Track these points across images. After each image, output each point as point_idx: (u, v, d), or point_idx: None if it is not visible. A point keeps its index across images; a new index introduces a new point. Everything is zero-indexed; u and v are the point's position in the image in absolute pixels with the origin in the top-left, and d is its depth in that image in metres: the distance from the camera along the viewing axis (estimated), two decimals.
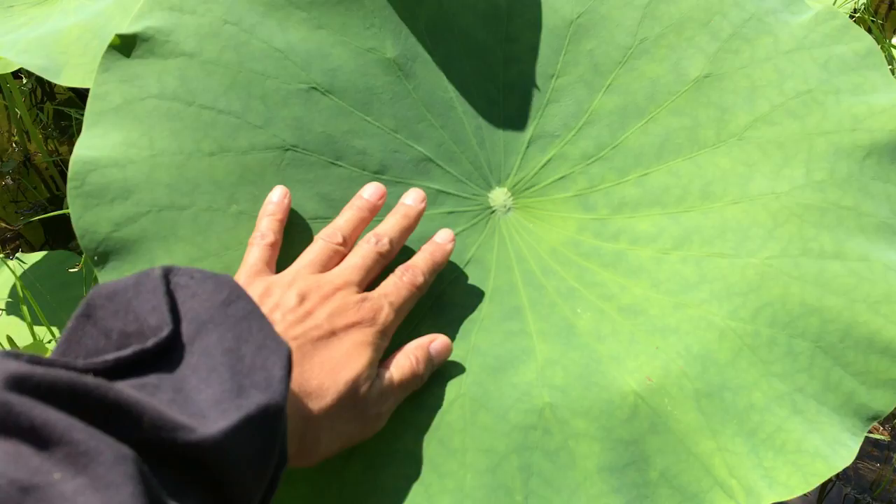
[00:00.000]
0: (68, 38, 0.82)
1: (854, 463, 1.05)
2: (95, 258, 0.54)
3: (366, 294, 0.53)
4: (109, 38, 0.60)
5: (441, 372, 0.55)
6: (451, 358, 0.56)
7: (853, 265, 0.58)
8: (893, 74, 1.50)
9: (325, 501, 0.51)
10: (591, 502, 0.51)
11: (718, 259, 0.60)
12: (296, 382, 0.46)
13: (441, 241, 0.59)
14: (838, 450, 0.53)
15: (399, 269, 0.56)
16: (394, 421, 0.53)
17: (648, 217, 0.64)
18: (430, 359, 0.54)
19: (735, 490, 0.52)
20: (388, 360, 0.53)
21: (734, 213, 0.62)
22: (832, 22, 0.67)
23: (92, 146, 0.56)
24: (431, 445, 0.53)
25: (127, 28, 0.60)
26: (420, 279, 0.56)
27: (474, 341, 0.58)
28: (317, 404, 0.47)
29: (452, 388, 0.55)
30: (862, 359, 0.55)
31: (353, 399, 0.48)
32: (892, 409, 0.54)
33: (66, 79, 0.80)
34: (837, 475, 1.04)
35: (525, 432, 0.53)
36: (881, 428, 1.07)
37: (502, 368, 0.56)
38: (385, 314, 0.52)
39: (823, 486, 1.03)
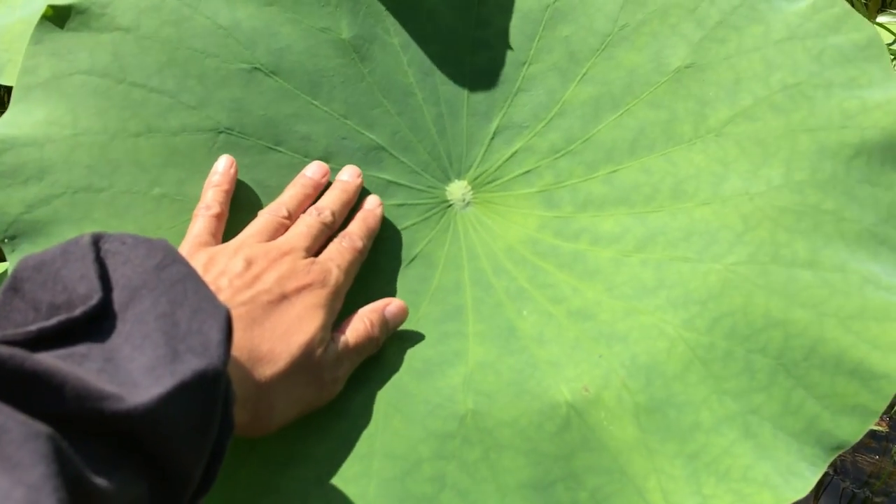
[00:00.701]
0: (11, 35, 0.81)
1: (852, 455, 1.02)
2: (5, 240, 0.54)
3: (314, 258, 0.54)
4: None
5: (359, 373, 0.53)
6: (375, 358, 0.54)
7: (827, 275, 0.54)
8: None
9: (219, 502, 0.50)
10: None
11: (681, 263, 0.57)
12: (246, 348, 0.47)
13: (370, 206, 0.61)
14: (791, 480, 0.49)
15: (337, 238, 0.57)
16: (297, 422, 0.51)
17: (613, 216, 0.62)
18: (384, 322, 0.55)
19: None
20: (343, 325, 0.54)
21: (703, 215, 0.59)
22: (831, 10, 0.63)
23: (14, 123, 0.56)
24: (340, 451, 0.51)
25: None
26: (359, 244, 0.57)
27: (404, 343, 0.56)
28: (269, 370, 0.47)
29: (368, 391, 0.53)
30: (828, 380, 0.52)
31: (307, 363, 0.49)
32: (858, 439, 0.50)
33: (7, 77, 0.78)
34: (835, 467, 1.00)
35: (442, 440, 0.51)
36: (879, 419, 1.02)
37: (429, 372, 0.54)
38: (335, 275, 0.53)
39: (821, 480, 0.98)
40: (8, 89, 1.18)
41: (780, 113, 0.60)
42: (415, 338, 0.56)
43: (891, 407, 1.05)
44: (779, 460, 0.50)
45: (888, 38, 1.53)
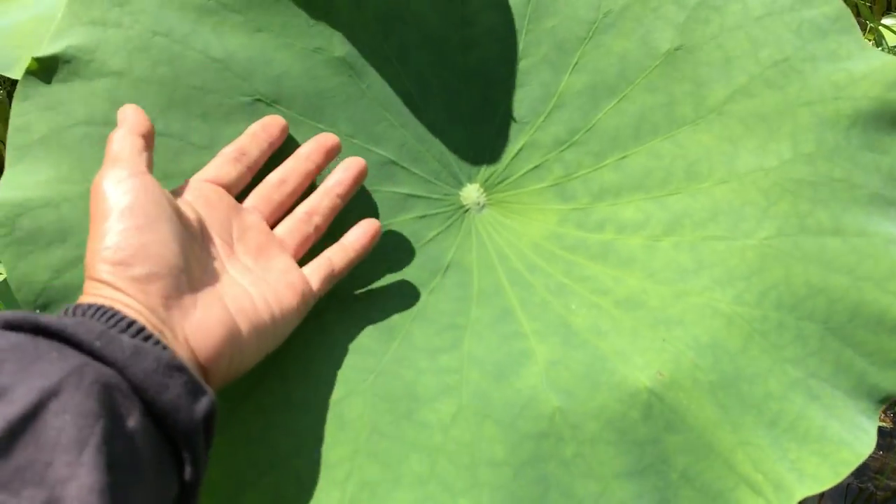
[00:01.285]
0: (23, 32, 0.85)
1: None
2: (37, 311, 0.52)
3: None
4: None
5: (438, 383, 0.55)
6: (445, 367, 0.56)
7: (853, 241, 0.60)
8: (889, 54, 1.55)
9: None
10: None
11: (714, 242, 0.62)
12: None
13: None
14: (860, 436, 0.55)
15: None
16: (395, 443, 0.53)
17: (632, 203, 0.65)
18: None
19: (762, 486, 0.54)
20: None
21: (724, 193, 0.63)
22: None
23: (19, 185, 0.55)
24: (441, 465, 0.53)
25: (45, 49, 0.58)
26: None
27: (468, 349, 0.58)
28: None
29: (453, 402, 0.55)
30: (872, 339, 0.58)
31: None
32: None
33: (18, 72, 0.82)
34: None
35: (537, 441, 0.54)
36: (883, 415, 1.11)
37: (503, 374, 0.56)
38: None
39: None
40: (16, 83, 1.18)
41: (776, 88, 0.66)
42: (477, 343, 0.58)
43: (894, 404, 1.14)
44: (843, 418, 0.56)
45: (893, 39, 1.63)
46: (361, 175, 0.60)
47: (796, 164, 0.63)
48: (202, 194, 0.54)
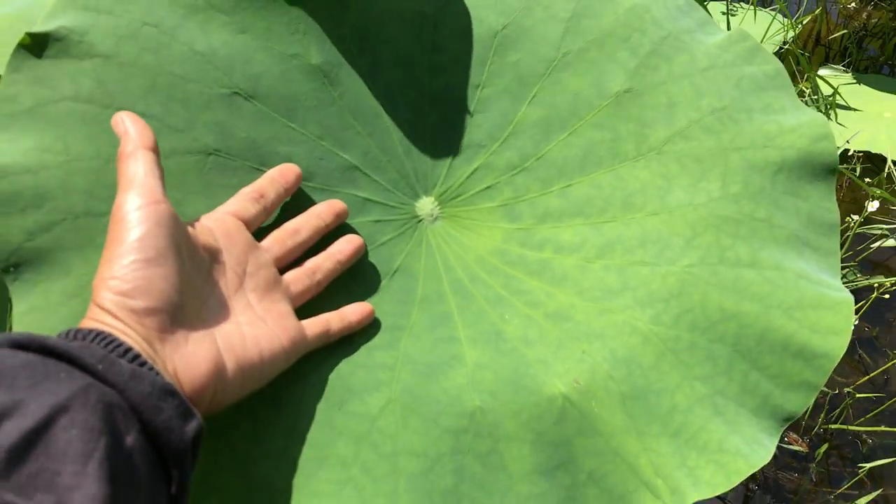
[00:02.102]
0: (1, 28, 0.85)
1: (774, 473, 1.13)
2: (9, 269, 0.54)
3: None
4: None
5: (372, 378, 0.58)
6: (381, 363, 0.59)
7: (767, 273, 0.63)
8: (822, 102, 1.63)
9: None
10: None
11: (640, 267, 0.65)
12: None
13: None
14: (757, 449, 0.58)
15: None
16: (324, 429, 0.55)
17: (572, 227, 0.69)
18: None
19: (661, 490, 0.56)
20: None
21: (654, 224, 0.67)
22: (743, 43, 0.73)
23: (3, 152, 0.57)
24: (364, 451, 0.55)
25: (39, 26, 0.60)
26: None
27: (404, 348, 0.60)
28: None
29: (383, 396, 0.57)
30: (777, 362, 0.61)
31: None
32: (805, 409, 0.60)
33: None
34: (758, 483, 1.12)
35: (456, 436, 0.56)
36: (800, 440, 1.16)
37: (433, 374, 0.59)
38: None
39: (746, 495, 1.11)
40: None
41: (712, 134, 0.70)
42: (414, 344, 0.61)
43: (810, 429, 1.19)
44: (744, 433, 0.59)
45: (828, 89, 1.71)
46: (360, 250, 0.64)
47: (723, 202, 0.67)
48: (224, 225, 0.57)
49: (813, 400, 0.59)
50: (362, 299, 0.63)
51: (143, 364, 0.45)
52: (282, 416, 0.55)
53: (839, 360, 0.60)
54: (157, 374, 0.45)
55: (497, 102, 0.73)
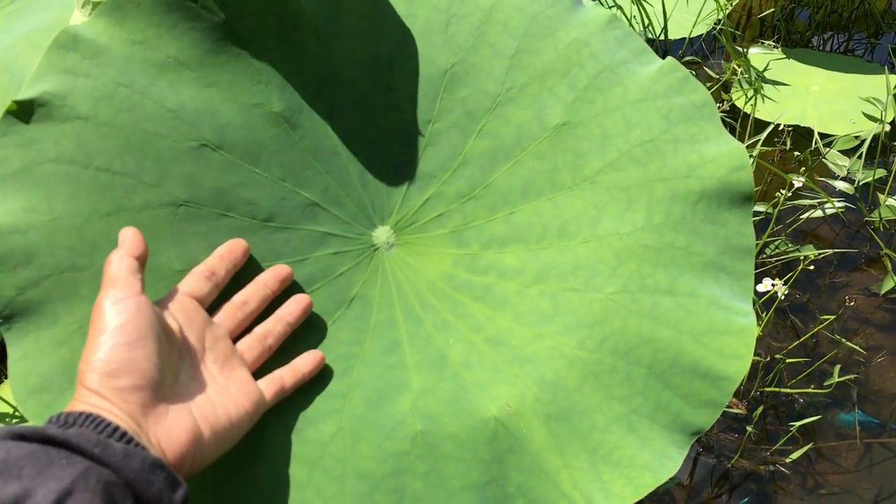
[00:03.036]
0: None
1: (717, 435, 1.21)
2: (2, 321, 0.60)
3: None
4: (19, 73, 0.65)
5: (326, 407, 0.64)
6: (335, 392, 0.65)
7: (682, 300, 0.69)
8: (751, 87, 1.66)
9: None
10: None
11: (571, 294, 0.70)
12: None
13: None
14: (665, 462, 0.64)
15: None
16: (280, 455, 0.61)
17: (514, 253, 0.74)
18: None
19: (577, 501, 0.62)
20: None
21: (585, 252, 0.72)
22: (674, 74, 0.77)
23: None
24: (316, 474, 0.61)
25: (23, 93, 0.65)
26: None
27: (356, 376, 0.66)
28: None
29: (334, 422, 0.63)
30: (687, 383, 0.66)
31: None
32: (712, 425, 0.66)
33: None
34: (702, 446, 1.19)
35: (399, 458, 0.62)
36: (739, 403, 1.23)
37: (381, 401, 0.65)
38: None
39: (694, 458, 1.18)
40: None
41: (640, 165, 0.74)
42: (366, 371, 0.67)
43: (748, 392, 1.26)
44: (655, 448, 0.65)
45: (759, 64, 1.73)
46: (308, 309, 0.68)
47: (646, 231, 0.72)
48: (182, 307, 0.61)
49: (718, 416, 0.65)
50: (322, 328, 0.69)
51: (130, 441, 0.50)
52: (246, 444, 0.62)
53: (740, 381, 0.65)
54: (145, 450, 0.51)
55: (447, 136, 0.78)
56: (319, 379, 0.65)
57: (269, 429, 0.63)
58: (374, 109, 0.77)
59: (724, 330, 0.67)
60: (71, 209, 0.64)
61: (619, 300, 0.69)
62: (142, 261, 0.59)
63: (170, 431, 0.54)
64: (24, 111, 0.65)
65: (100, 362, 0.53)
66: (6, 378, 1.17)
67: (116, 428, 0.51)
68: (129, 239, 0.60)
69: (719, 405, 0.66)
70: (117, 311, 0.55)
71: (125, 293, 0.56)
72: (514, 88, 0.78)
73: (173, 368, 0.58)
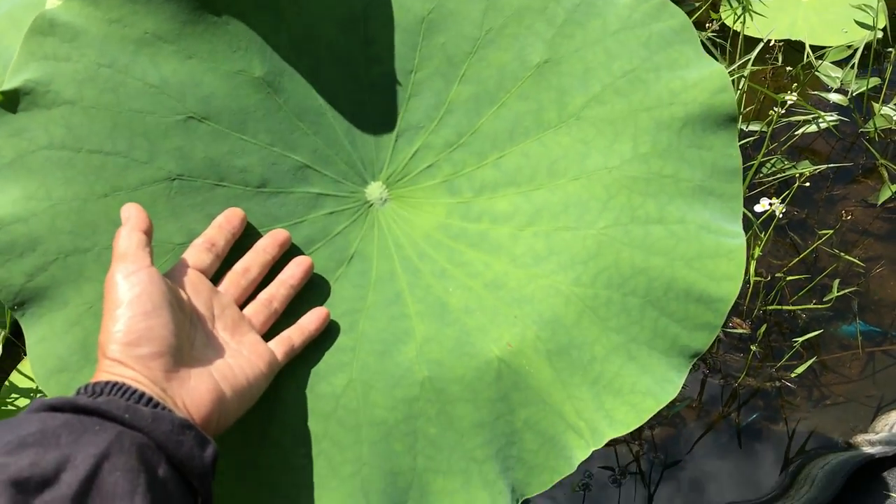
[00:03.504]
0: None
1: (723, 355, 1.23)
2: (14, 307, 0.63)
3: None
4: (4, 52, 0.66)
5: (335, 361, 0.66)
6: (343, 347, 0.67)
7: (672, 227, 0.70)
8: (740, 4, 1.64)
9: (245, 486, 0.62)
10: (469, 453, 0.64)
11: (564, 232, 0.71)
12: None
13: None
14: (665, 387, 0.66)
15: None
16: (298, 411, 0.64)
17: (505, 197, 0.75)
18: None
19: (583, 430, 0.65)
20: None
21: (575, 189, 0.73)
22: (651, 1, 0.77)
23: None
24: (331, 426, 0.64)
25: (7, 83, 0.66)
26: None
27: (362, 329, 0.69)
28: None
29: (345, 375, 0.66)
30: (682, 308, 0.68)
31: None
32: (709, 346, 0.67)
33: None
34: (709, 367, 1.22)
35: (409, 403, 0.65)
36: (743, 323, 1.25)
37: (387, 351, 0.67)
38: None
39: (701, 380, 1.21)
40: None
41: (623, 96, 0.74)
42: (370, 324, 0.69)
43: (751, 312, 1.27)
44: (655, 373, 0.67)
45: None
46: (309, 270, 0.69)
47: (634, 162, 0.72)
48: (189, 278, 0.63)
49: (714, 337, 0.67)
50: (325, 287, 0.71)
51: (158, 406, 0.53)
52: (262, 404, 0.64)
53: (734, 301, 0.67)
54: (172, 412, 0.53)
55: (430, 84, 0.78)
56: (327, 335, 0.68)
57: (283, 387, 0.65)
58: (354, 65, 0.77)
59: (715, 253, 0.69)
60: (68, 193, 0.65)
61: (611, 233, 0.70)
62: (148, 234, 0.61)
63: (194, 393, 0.57)
64: (10, 101, 0.66)
65: (120, 333, 0.55)
66: (24, 354, 1.21)
67: (143, 394, 0.53)
68: (134, 214, 0.62)
69: (715, 326, 0.68)
70: (131, 283, 0.57)
71: (137, 265, 0.58)
72: (492, 30, 0.78)
73: (188, 335, 0.60)
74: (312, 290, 0.70)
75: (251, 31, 0.73)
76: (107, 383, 0.53)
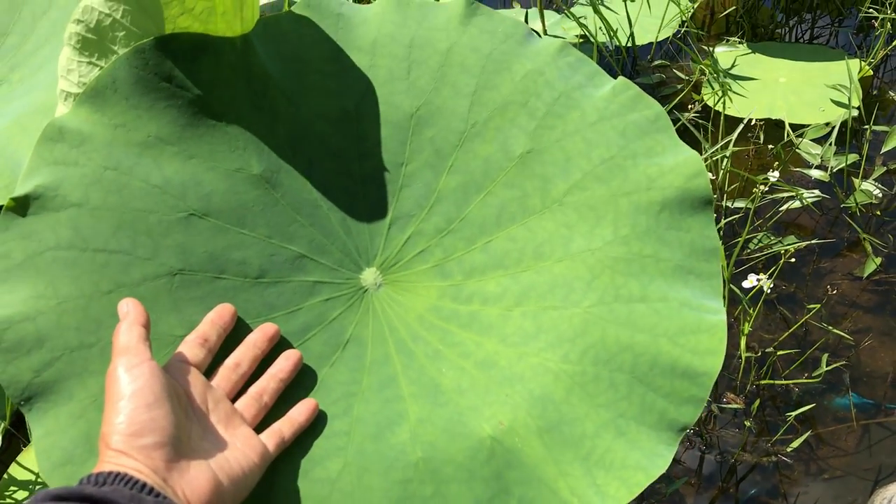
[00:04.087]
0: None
1: (718, 431, 1.24)
2: (21, 402, 0.65)
3: None
4: (12, 157, 0.69)
5: (330, 446, 0.68)
6: (338, 431, 0.69)
7: (655, 305, 0.73)
8: (717, 80, 1.71)
9: None
10: None
11: (551, 311, 0.74)
12: None
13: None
14: (655, 460, 0.68)
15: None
16: (291, 498, 0.65)
17: (494, 279, 0.78)
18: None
19: None
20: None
21: (561, 270, 0.76)
22: (627, 92, 0.82)
23: (4, 304, 0.67)
24: None
25: (19, 189, 0.70)
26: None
27: (357, 413, 0.70)
28: None
29: (340, 460, 0.67)
30: (668, 383, 0.70)
31: None
32: (696, 419, 0.69)
33: None
34: (705, 443, 1.22)
35: (404, 485, 0.66)
36: (737, 398, 1.26)
37: (381, 434, 0.69)
38: None
39: (701, 455, 1.22)
40: None
41: (603, 182, 0.78)
42: (365, 408, 0.71)
43: (744, 387, 1.29)
44: (644, 448, 0.68)
45: (727, 61, 1.79)
46: (298, 363, 0.71)
47: (615, 244, 0.76)
48: (184, 373, 0.65)
49: (700, 411, 0.69)
50: (322, 371, 0.73)
51: (160, 496, 0.55)
52: (258, 491, 0.66)
53: (717, 374, 0.69)
54: (174, 503, 0.55)
55: (420, 175, 0.82)
56: (322, 421, 0.69)
57: (279, 472, 0.67)
58: (347, 160, 0.82)
59: (697, 328, 0.71)
60: (74, 291, 0.68)
61: (597, 312, 0.73)
62: (147, 328, 0.64)
63: (194, 483, 0.59)
64: (21, 206, 0.69)
65: (122, 424, 0.57)
66: (24, 446, 1.22)
67: (145, 484, 0.55)
68: (132, 309, 0.65)
69: (701, 400, 0.70)
70: (133, 376, 0.59)
71: (138, 359, 0.61)
72: (477, 123, 0.83)
73: (186, 427, 0.62)
74: (308, 376, 0.72)
75: (248, 131, 0.78)
76: (110, 473, 0.55)
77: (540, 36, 0.87)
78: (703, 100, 1.76)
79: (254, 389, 0.69)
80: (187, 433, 0.62)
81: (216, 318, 0.70)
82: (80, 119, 0.73)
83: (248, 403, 0.69)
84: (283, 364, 0.71)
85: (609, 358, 0.71)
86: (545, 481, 0.67)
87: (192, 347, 0.68)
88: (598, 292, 0.74)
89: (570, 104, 0.82)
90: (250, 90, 0.79)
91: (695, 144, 1.62)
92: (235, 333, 0.71)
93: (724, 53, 1.88)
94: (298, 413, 0.69)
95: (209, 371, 0.69)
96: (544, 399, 0.70)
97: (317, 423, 0.69)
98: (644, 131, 0.80)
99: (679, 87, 1.81)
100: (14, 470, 1.10)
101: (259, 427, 0.68)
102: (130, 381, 0.59)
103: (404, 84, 0.84)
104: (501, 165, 0.82)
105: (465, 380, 0.72)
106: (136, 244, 0.71)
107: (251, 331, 0.72)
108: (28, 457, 1.15)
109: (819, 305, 1.38)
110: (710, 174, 1.48)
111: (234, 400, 0.69)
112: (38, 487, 1.04)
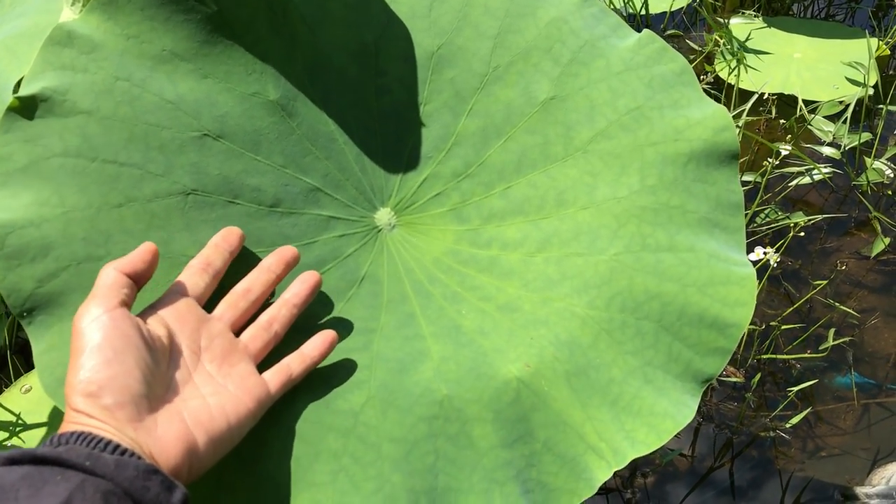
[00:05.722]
0: None
1: (717, 405, 1.25)
2: (23, 314, 0.60)
3: None
4: (3, 90, 0.65)
5: (352, 380, 0.65)
6: (358, 365, 0.66)
7: (683, 255, 0.72)
8: (734, 57, 1.72)
9: (263, 502, 0.60)
10: (489, 474, 0.63)
11: (575, 258, 0.73)
12: None
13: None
14: (682, 409, 0.67)
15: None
16: (316, 427, 0.62)
17: (514, 225, 0.76)
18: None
19: (604, 451, 0.65)
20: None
21: (585, 218, 0.75)
22: (652, 45, 0.81)
23: (4, 208, 0.62)
24: (352, 443, 0.63)
25: (23, 89, 0.65)
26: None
27: (377, 349, 0.68)
28: None
29: (363, 393, 0.65)
30: (695, 333, 0.70)
31: None
32: (721, 371, 0.69)
33: None
34: (703, 416, 1.23)
35: (429, 422, 0.64)
36: (737, 372, 1.27)
37: (404, 370, 0.66)
38: None
39: (695, 427, 1.22)
40: None
41: (629, 131, 0.77)
42: (385, 344, 0.68)
43: (745, 361, 1.30)
44: (671, 396, 0.68)
45: (741, 34, 1.78)
46: (316, 287, 0.66)
47: (642, 193, 0.75)
48: (174, 309, 0.60)
49: (726, 363, 0.69)
50: (337, 306, 0.70)
51: (124, 452, 0.51)
52: (280, 419, 0.63)
53: (746, 327, 0.69)
54: (139, 458, 0.51)
55: (439, 117, 0.80)
56: (341, 353, 0.67)
57: (300, 400, 0.64)
58: (365, 94, 0.79)
59: (726, 280, 0.71)
60: (82, 201, 0.64)
61: (624, 260, 0.72)
62: (135, 278, 0.59)
63: (161, 442, 0.54)
64: (27, 107, 0.65)
65: (81, 384, 0.53)
66: (6, 386, 1.15)
67: (109, 442, 0.51)
68: (133, 253, 0.60)
69: (727, 351, 0.69)
70: (93, 329, 0.55)
71: (101, 308, 0.56)
72: (500, 67, 0.81)
73: (162, 377, 0.57)
74: (323, 308, 0.69)
75: (266, 55, 0.74)
76: (71, 433, 0.51)
77: None
78: (715, 71, 1.74)
79: (263, 318, 0.65)
80: (163, 383, 0.57)
81: (222, 241, 0.65)
82: (90, 26, 0.69)
83: (256, 333, 0.64)
84: (298, 288, 0.66)
85: (636, 306, 0.70)
86: (571, 425, 0.66)
87: (193, 275, 0.63)
88: (625, 240, 0.73)
89: (595, 53, 0.81)
90: (270, 12, 0.75)
91: None
92: (248, 266, 0.68)
93: (739, 25, 1.87)
94: (313, 347, 0.65)
95: (216, 298, 0.65)
96: (571, 344, 0.69)
97: (336, 354, 0.67)
98: (670, 84, 0.80)
99: (691, 57, 1.80)
100: None
101: (269, 362, 0.64)
102: (90, 335, 0.55)
103: (426, 22, 0.81)
104: (523, 111, 0.80)
105: (488, 322, 0.70)
106: (147, 159, 0.67)
107: None
108: (9, 397, 1.09)
109: (826, 282, 1.38)
110: None
111: (242, 330, 0.65)
112: (18, 429, 0.98)
